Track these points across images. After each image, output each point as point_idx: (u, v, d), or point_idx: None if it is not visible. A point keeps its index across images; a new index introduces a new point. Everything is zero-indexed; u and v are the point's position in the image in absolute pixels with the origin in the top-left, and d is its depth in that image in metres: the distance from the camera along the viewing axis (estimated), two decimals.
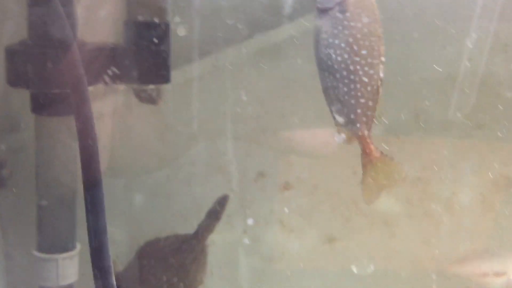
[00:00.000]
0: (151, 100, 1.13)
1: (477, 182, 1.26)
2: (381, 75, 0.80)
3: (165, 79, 1.00)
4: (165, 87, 1.09)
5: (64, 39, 0.80)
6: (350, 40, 0.79)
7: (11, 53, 0.91)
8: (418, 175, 1.26)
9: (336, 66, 0.80)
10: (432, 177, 1.27)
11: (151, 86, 1.06)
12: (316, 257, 1.33)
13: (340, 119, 0.83)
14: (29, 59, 0.88)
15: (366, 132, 0.82)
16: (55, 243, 1.00)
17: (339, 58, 0.79)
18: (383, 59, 0.80)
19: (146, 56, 0.99)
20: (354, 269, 1.30)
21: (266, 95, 1.23)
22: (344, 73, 0.80)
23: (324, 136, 1.18)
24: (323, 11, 0.80)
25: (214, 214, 1.21)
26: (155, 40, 0.98)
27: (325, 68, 0.80)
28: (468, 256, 1.18)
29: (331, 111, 0.83)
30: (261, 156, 1.28)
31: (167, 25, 1.00)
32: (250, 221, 1.30)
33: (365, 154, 0.83)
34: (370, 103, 0.81)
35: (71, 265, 1.01)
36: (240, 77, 1.19)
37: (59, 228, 1.00)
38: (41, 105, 0.93)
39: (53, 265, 0.99)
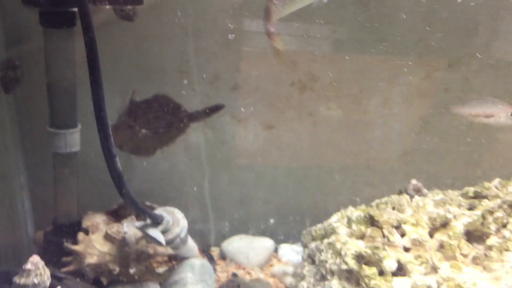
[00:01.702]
0: (128, 17, 1.47)
1: (379, 83, 1.65)
2: None
3: (139, 1, 1.34)
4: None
5: None
6: None
7: None
8: (334, 78, 1.65)
9: None
10: (344, 80, 1.66)
11: (129, 7, 1.40)
12: (259, 140, 1.74)
13: None
14: None
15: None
16: (62, 122, 1.38)
17: None
18: None
19: None
20: (287, 150, 1.73)
21: None
22: None
23: None
24: None
25: (209, 111, 1.62)
26: None
27: None
28: (466, 103, 1.50)
29: None
30: (216, 64, 1.64)
31: None
32: None
33: None
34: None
35: (75, 138, 1.40)
36: None
37: (65, 110, 1.37)
38: (49, 20, 1.27)
39: (62, 137, 1.38)
